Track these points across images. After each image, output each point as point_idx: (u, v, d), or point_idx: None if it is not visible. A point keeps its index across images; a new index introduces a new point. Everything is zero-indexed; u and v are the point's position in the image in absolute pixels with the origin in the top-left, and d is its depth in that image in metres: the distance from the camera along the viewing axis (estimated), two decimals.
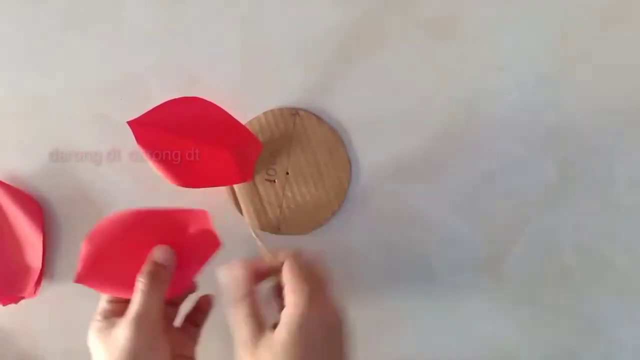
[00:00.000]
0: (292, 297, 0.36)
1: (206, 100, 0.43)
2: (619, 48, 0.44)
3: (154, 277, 0.38)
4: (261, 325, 0.37)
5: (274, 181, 0.46)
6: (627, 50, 0.44)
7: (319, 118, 0.46)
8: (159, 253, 0.40)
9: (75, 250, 0.47)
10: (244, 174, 0.44)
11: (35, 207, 0.47)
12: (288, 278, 0.38)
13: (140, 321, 0.36)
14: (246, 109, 0.46)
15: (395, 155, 0.46)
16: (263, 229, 0.46)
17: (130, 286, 0.39)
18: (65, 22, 0.46)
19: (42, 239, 0.47)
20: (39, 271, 0.47)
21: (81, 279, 0.39)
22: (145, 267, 0.39)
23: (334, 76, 0.45)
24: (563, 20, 0.44)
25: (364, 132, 0.46)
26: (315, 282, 0.38)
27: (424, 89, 0.45)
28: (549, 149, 0.45)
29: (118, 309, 0.39)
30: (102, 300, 0.40)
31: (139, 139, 0.42)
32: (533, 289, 0.47)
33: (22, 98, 0.47)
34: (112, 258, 0.39)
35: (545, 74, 0.45)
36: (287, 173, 0.46)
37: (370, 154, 0.46)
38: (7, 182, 0.47)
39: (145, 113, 0.42)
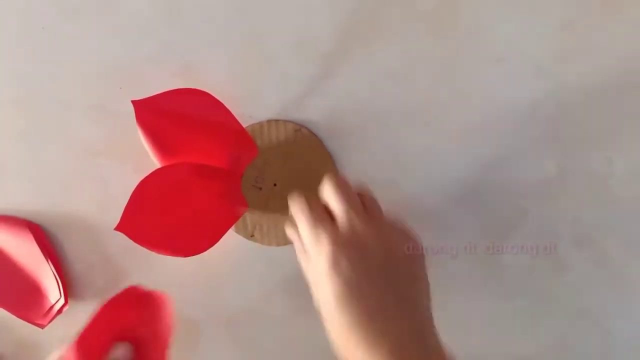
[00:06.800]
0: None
1: (211, 95, 0.42)
2: (618, 39, 0.43)
3: None
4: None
5: (261, 188, 0.45)
6: (626, 41, 0.44)
7: (320, 141, 0.45)
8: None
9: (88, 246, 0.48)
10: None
11: (36, 230, 0.47)
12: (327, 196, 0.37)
13: None
14: (245, 102, 0.45)
15: (393, 146, 0.45)
16: (237, 231, 0.46)
17: (169, 241, 0.41)
18: (61, 12, 0.45)
19: (46, 258, 0.47)
20: (58, 292, 0.47)
21: (122, 227, 0.40)
22: None
23: (332, 68, 0.44)
24: (561, 11, 0.43)
25: (362, 123, 0.45)
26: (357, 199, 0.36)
27: (423, 81, 0.44)
28: (548, 141, 0.45)
29: None
30: None
31: (139, 119, 0.41)
32: (529, 279, 0.47)
33: (18, 86, 0.46)
34: (155, 211, 0.41)
35: (544, 66, 0.44)
36: (275, 185, 0.45)
37: (368, 144, 0.45)
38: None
39: (149, 97, 0.42)
